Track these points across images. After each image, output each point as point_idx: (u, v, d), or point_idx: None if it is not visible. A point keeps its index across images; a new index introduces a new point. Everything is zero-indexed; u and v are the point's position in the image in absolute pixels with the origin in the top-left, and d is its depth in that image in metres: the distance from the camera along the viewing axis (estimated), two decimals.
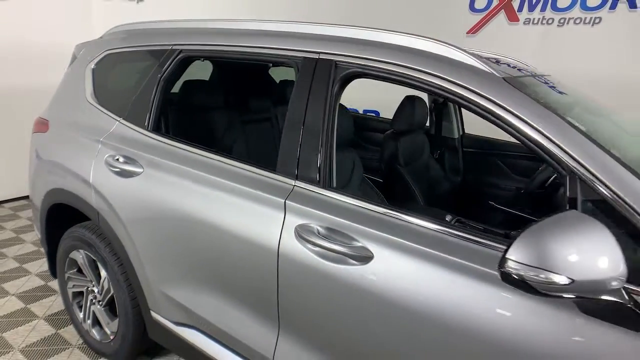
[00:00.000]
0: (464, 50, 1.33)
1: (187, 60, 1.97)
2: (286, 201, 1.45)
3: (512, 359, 1.07)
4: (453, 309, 1.15)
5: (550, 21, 5.04)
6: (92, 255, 2.17)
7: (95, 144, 2.05)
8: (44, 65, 3.96)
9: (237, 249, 1.55)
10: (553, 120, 1.15)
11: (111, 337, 2.22)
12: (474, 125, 3.29)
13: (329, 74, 1.49)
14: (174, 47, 1.96)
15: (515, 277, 0.93)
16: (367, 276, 1.27)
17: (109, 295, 2.15)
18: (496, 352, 1.10)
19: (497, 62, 1.68)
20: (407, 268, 1.23)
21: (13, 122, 4.03)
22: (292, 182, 1.49)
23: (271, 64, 2.82)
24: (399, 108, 2.50)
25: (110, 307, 2.20)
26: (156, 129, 1.96)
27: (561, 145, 1.11)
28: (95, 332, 2.31)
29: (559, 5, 4.94)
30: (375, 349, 1.31)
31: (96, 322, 2.31)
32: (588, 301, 0.96)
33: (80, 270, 2.32)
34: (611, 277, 0.89)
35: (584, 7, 4.82)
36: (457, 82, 1.26)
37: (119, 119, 2.06)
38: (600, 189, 1.04)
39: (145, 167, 1.85)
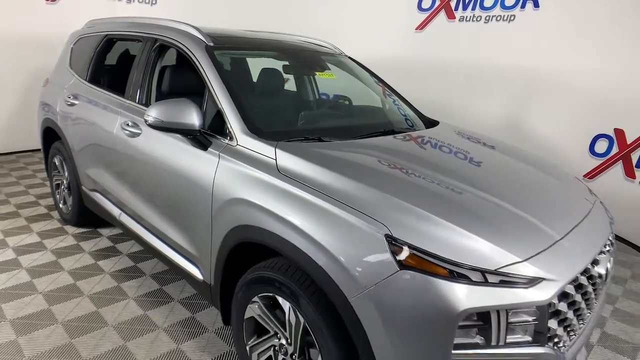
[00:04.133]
0: (197, 28, 2.57)
1: (110, 41, 3.37)
2: (120, 110, 2.78)
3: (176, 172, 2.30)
4: (163, 151, 2.41)
5: (478, 18, 5.94)
6: (61, 158, 3.65)
7: (62, 90, 3.51)
8: None
9: (103, 137, 2.91)
10: (214, 72, 2.32)
11: (70, 209, 3.69)
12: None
13: (152, 44, 2.79)
14: (103, 33, 3.37)
15: (149, 122, 2.15)
16: (141, 141, 2.56)
17: (68, 181, 3.61)
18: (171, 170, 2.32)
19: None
20: (151, 135, 2.49)
21: None
22: (128, 101, 2.80)
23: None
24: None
25: (70, 190, 3.66)
26: (91, 81, 3.37)
27: (210, 81, 2.30)
28: (64, 209, 3.79)
29: (485, 4, 5.86)
30: (147, 184, 2.58)
31: (65, 202, 3.78)
32: (186, 136, 2.17)
33: (58, 170, 3.81)
34: (187, 123, 2.10)
35: (503, 6, 5.70)
36: (186, 45, 2.50)
37: (76, 75, 3.51)
38: (217, 103, 2.23)
39: (80, 100, 3.27)
